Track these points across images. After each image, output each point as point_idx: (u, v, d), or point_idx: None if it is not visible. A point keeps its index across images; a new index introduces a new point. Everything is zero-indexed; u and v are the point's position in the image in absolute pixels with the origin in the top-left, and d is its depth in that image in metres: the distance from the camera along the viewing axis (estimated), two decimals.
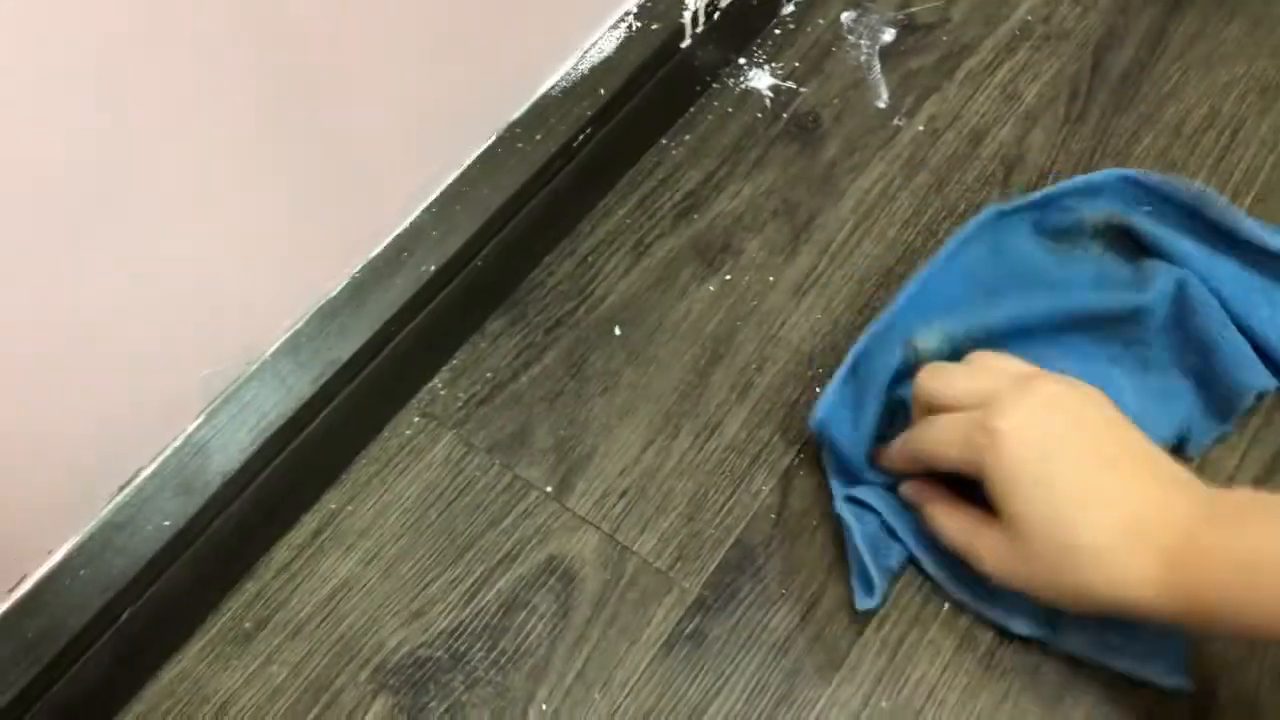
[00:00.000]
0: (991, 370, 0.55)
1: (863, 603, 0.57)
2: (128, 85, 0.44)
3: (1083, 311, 0.61)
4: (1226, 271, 0.62)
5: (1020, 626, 0.56)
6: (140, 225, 0.48)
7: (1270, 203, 0.69)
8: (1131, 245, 0.65)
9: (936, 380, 0.55)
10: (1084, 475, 0.49)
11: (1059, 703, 0.56)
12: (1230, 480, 0.59)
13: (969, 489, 0.54)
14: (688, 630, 0.59)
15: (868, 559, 0.57)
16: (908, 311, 0.62)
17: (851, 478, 0.60)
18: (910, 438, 0.56)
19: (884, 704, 0.57)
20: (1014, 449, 0.49)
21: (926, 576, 0.58)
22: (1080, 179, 0.66)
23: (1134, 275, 0.63)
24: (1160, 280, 0.61)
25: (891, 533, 0.58)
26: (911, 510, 0.58)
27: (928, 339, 0.60)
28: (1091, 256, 0.65)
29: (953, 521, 0.55)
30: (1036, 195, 0.66)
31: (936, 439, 0.54)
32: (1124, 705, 0.55)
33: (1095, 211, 0.65)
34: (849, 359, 0.60)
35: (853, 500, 0.59)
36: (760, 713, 0.57)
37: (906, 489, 0.58)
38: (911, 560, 0.59)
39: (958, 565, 0.56)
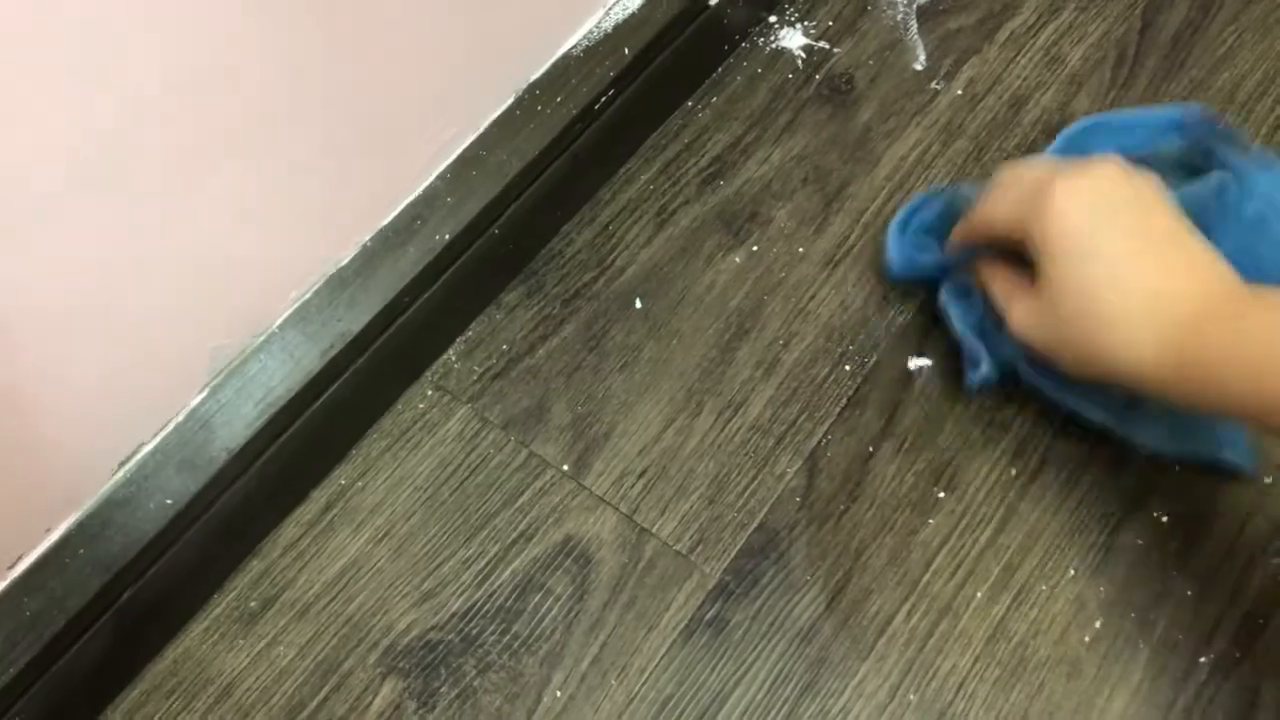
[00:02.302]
0: (1060, 161, 0.57)
1: (972, 376, 0.58)
2: (135, 48, 0.41)
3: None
4: None
5: (1095, 414, 0.57)
6: (143, 191, 0.46)
7: None
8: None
9: (1017, 164, 0.57)
10: (1122, 249, 0.50)
11: (1095, 697, 0.54)
12: None
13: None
14: (708, 616, 0.57)
15: (973, 344, 0.58)
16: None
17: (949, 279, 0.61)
18: (975, 208, 0.57)
19: (912, 697, 0.54)
20: (1062, 213, 0.51)
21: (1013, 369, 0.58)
22: (1161, 109, 0.64)
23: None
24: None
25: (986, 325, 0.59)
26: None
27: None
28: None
29: (999, 278, 0.56)
30: (1115, 116, 0.64)
31: (995, 200, 0.56)
32: (1160, 704, 0.53)
33: (1170, 147, 0.62)
34: (901, 212, 0.63)
35: (959, 291, 0.60)
36: (783, 703, 0.55)
37: (964, 267, 0.59)
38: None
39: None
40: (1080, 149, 0.63)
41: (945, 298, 0.60)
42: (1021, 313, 0.54)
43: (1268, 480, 0.57)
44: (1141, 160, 0.61)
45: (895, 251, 0.62)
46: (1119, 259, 0.50)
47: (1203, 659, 0.54)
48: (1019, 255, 0.55)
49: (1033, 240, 0.52)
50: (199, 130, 0.46)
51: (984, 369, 0.58)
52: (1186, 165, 0.61)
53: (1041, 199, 0.52)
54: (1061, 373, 0.55)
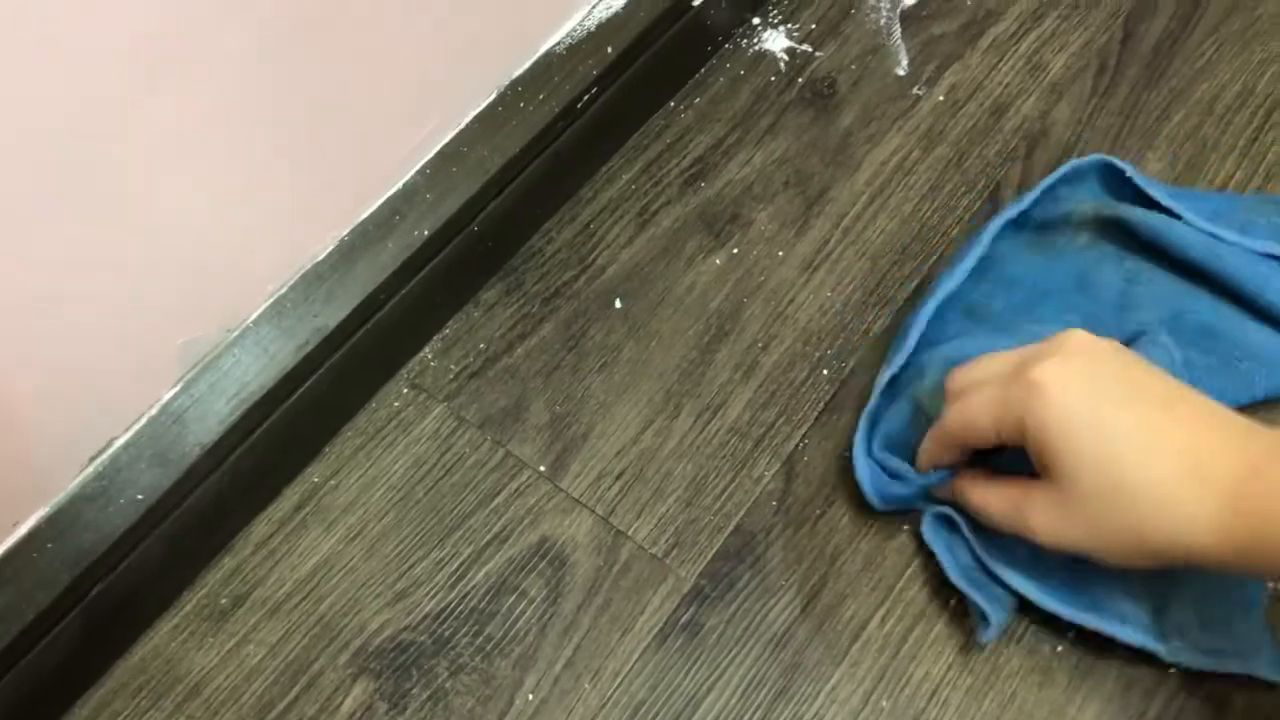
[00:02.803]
0: (1016, 350, 0.52)
1: (984, 634, 0.53)
2: (101, 36, 0.41)
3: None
4: (1227, 249, 0.59)
5: (1132, 636, 0.52)
6: (115, 180, 0.45)
7: (1274, 195, 0.65)
8: (1122, 234, 0.62)
9: (966, 367, 0.53)
10: (1137, 415, 0.46)
11: (1066, 706, 0.54)
12: None
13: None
14: (683, 620, 0.56)
15: (972, 592, 0.53)
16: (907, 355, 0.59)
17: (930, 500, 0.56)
18: (943, 420, 0.53)
19: (885, 703, 0.54)
20: (1058, 396, 0.46)
21: (1025, 601, 0.53)
22: (1065, 167, 0.63)
23: (1123, 284, 0.61)
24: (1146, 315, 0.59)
25: (982, 560, 0.54)
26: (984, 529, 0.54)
27: (928, 391, 0.57)
28: (1076, 249, 0.62)
29: (995, 495, 0.51)
30: (1033, 194, 0.63)
31: (968, 408, 0.50)
32: (1130, 713, 0.53)
33: (1081, 203, 0.62)
34: (863, 422, 0.57)
35: (944, 520, 0.55)
36: (756, 708, 0.55)
37: (941, 491, 0.55)
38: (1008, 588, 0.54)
39: (1051, 581, 0.53)
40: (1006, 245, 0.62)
41: (930, 538, 0.55)
42: (1045, 520, 0.48)
43: None
44: (1050, 222, 0.63)
45: (869, 487, 0.56)
46: (1136, 433, 0.45)
47: (1173, 669, 0.54)
48: (986, 457, 0.52)
49: (1031, 439, 0.47)
50: (170, 123, 0.45)
51: (994, 622, 0.52)
52: (1101, 220, 0.62)
53: (1029, 390, 0.47)
54: (1079, 595, 0.52)
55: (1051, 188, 0.63)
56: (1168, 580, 0.53)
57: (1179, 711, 0.53)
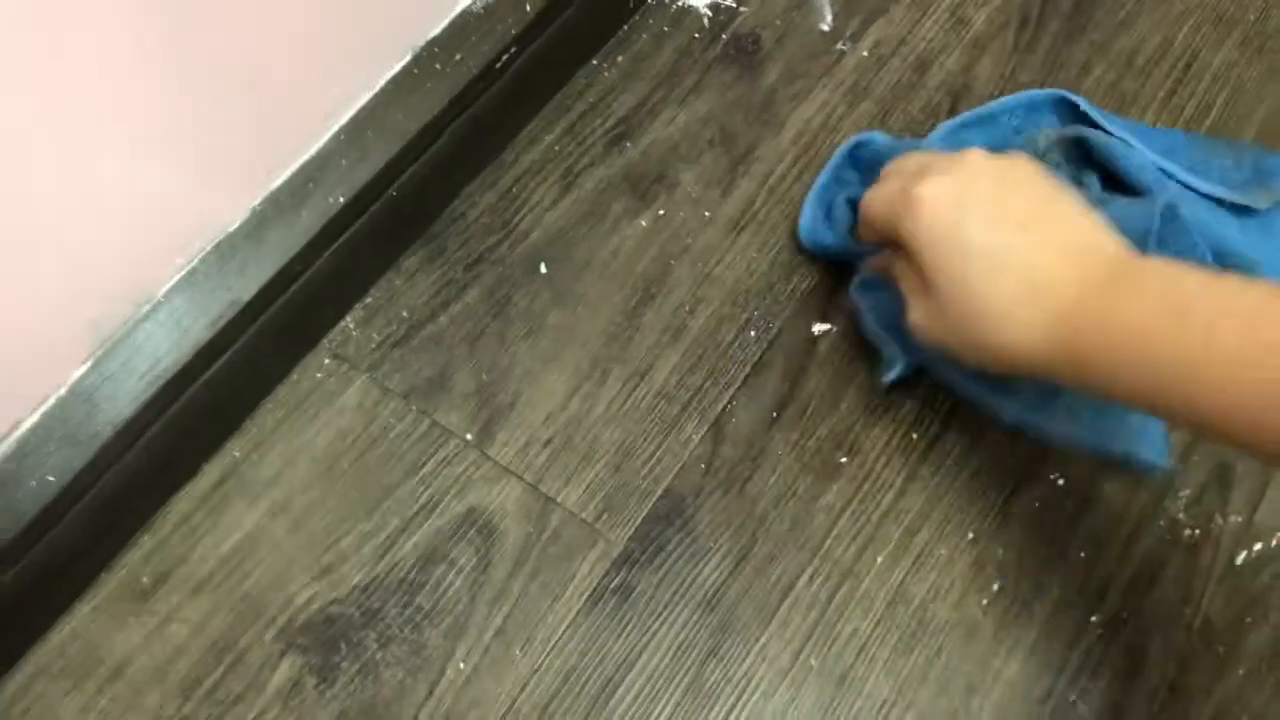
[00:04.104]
0: (930, 154, 0.56)
1: (886, 375, 0.58)
2: None
3: None
4: (1176, 186, 0.60)
5: (1008, 410, 0.56)
6: (10, 146, 0.43)
7: (1222, 139, 0.66)
8: (1081, 159, 0.62)
9: (901, 158, 0.57)
10: (992, 240, 0.49)
11: (991, 659, 0.55)
12: None
13: None
14: (613, 584, 0.56)
15: (884, 340, 0.58)
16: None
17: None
18: (863, 200, 0.57)
19: (814, 661, 0.55)
20: (930, 214, 0.50)
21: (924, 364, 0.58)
22: (1023, 94, 0.65)
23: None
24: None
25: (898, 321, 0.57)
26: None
27: None
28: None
29: (905, 275, 0.54)
30: (983, 109, 0.65)
31: (873, 199, 0.55)
32: (1053, 664, 0.55)
33: (1041, 129, 0.63)
34: (822, 175, 0.63)
35: (868, 284, 0.60)
36: (687, 669, 0.55)
37: (872, 261, 0.59)
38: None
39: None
40: (954, 146, 0.63)
41: (854, 290, 0.60)
42: (917, 314, 0.52)
43: None
44: (1021, 148, 0.63)
45: (805, 225, 0.62)
46: (991, 251, 0.49)
47: (1093, 619, 0.55)
48: None
49: (908, 243, 0.51)
50: (68, 89, 0.43)
51: (897, 367, 0.58)
52: (1065, 143, 0.62)
53: (907, 203, 0.51)
54: (984, 375, 0.54)
55: (1007, 114, 0.64)
56: None
57: (1099, 661, 0.55)
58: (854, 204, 0.60)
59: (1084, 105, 0.63)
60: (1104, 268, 0.47)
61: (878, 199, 0.55)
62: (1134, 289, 0.46)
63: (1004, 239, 0.49)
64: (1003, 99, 0.65)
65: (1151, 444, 0.56)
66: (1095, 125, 0.63)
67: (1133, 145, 0.61)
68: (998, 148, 0.62)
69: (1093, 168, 0.62)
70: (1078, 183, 0.62)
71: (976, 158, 0.52)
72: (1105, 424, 0.56)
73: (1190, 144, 0.64)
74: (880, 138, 0.63)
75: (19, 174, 0.44)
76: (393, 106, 0.59)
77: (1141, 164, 0.60)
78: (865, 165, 0.63)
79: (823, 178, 0.63)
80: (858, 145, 0.63)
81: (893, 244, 0.55)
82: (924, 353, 0.56)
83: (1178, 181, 0.61)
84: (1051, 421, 0.56)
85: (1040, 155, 0.62)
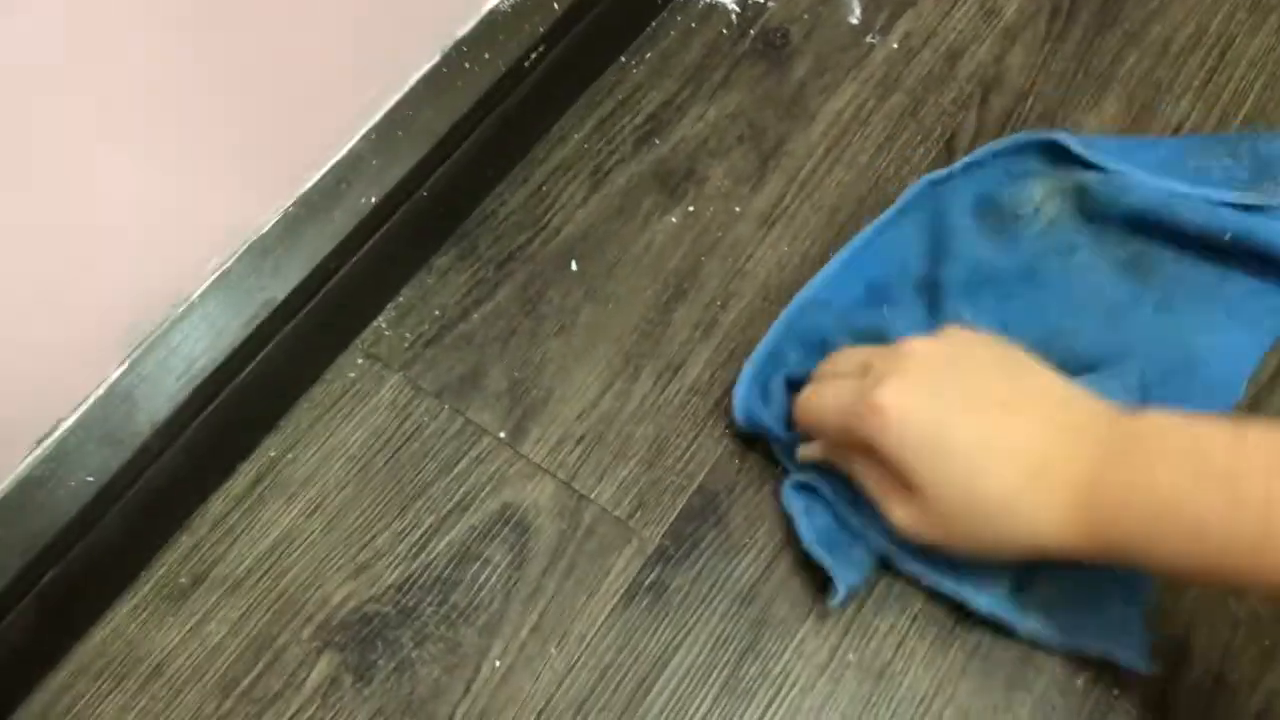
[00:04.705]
0: (868, 350, 0.53)
1: (833, 598, 0.53)
2: (32, 7, 0.39)
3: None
4: (1182, 201, 0.59)
5: (987, 606, 0.52)
6: (50, 155, 0.43)
7: (1258, 126, 0.65)
8: (1083, 208, 0.61)
9: (833, 356, 0.55)
10: (979, 427, 0.47)
11: (1031, 653, 0.54)
12: None
13: None
14: (648, 581, 0.56)
15: (824, 558, 0.53)
16: (828, 288, 0.59)
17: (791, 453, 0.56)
18: (799, 403, 0.54)
19: (851, 656, 0.55)
20: (902, 420, 0.47)
21: (887, 562, 0.54)
22: (1005, 141, 0.63)
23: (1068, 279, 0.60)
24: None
25: (844, 521, 0.54)
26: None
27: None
28: (1034, 234, 0.61)
29: (869, 474, 0.51)
30: (967, 159, 0.63)
31: (816, 409, 0.52)
32: (1094, 659, 0.54)
33: (1037, 178, 0.62)
34: (762, 348, 0.58)
35: (803, 487, 0.55)
36: (723, 665, 0.55)
37: (806, 449, 0.55)
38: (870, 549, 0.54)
39: (912, 547, 0.52)
40: (936, 202, 0.62)
41: (787, 498, 0.56)
42: (904, 516, 0.49)
43: None
44: (1006, 202, 0.62)
45: (739, 401, 0.57)
46: (976, 444, 0.46)
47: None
48: None
49: (880, 453, 0.48)
50: (103, 93, 0.44)
51: (843, 588, 0.52)
52: (1065, 192, 0.61)
53: (871, 414, 0.47)
54: (939, 561, 0.52)
55: (996, 157, 0.63)
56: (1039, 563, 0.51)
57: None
58: (792, 384, 0.56)
59: (1074, 145, 0.61)
60: (1107, 435, 0.45)
61: (825, 407, 0.51)
62: (1153, 455, 0.44)
63: (988, 427, 0.46)
64: (988, 145, 0.63)
65: (1131, 645, 0.52)
66: (1086, 161, 0.61)
67: (1131, 179, 0.60)
68: (989, 195, 0.62)
69: (1096, 219, 0.61)
70: (1072, 251, 0.60)
71: (922, 347, 0.49)
72: (1083, 621, 0.52)
73: (1187, 150, 0.62)
74: (824, 293, 0.59)
75: (55, 179, 0.44)
76: (423, 106, 0.59)
77: (1144, 196, 0.59)
78: (803, 338, 0.58)
79: (760, 351, 0.58)
80: (806, 307, 0.59)
81: (845, 445, 0.51)
82: (885, 549, 0.53)
83: (1182, 195, 0.59)
84: (1025, 619, 0.53)
85: (1036, 207, 0.61)
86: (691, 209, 0.65)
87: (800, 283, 0.62)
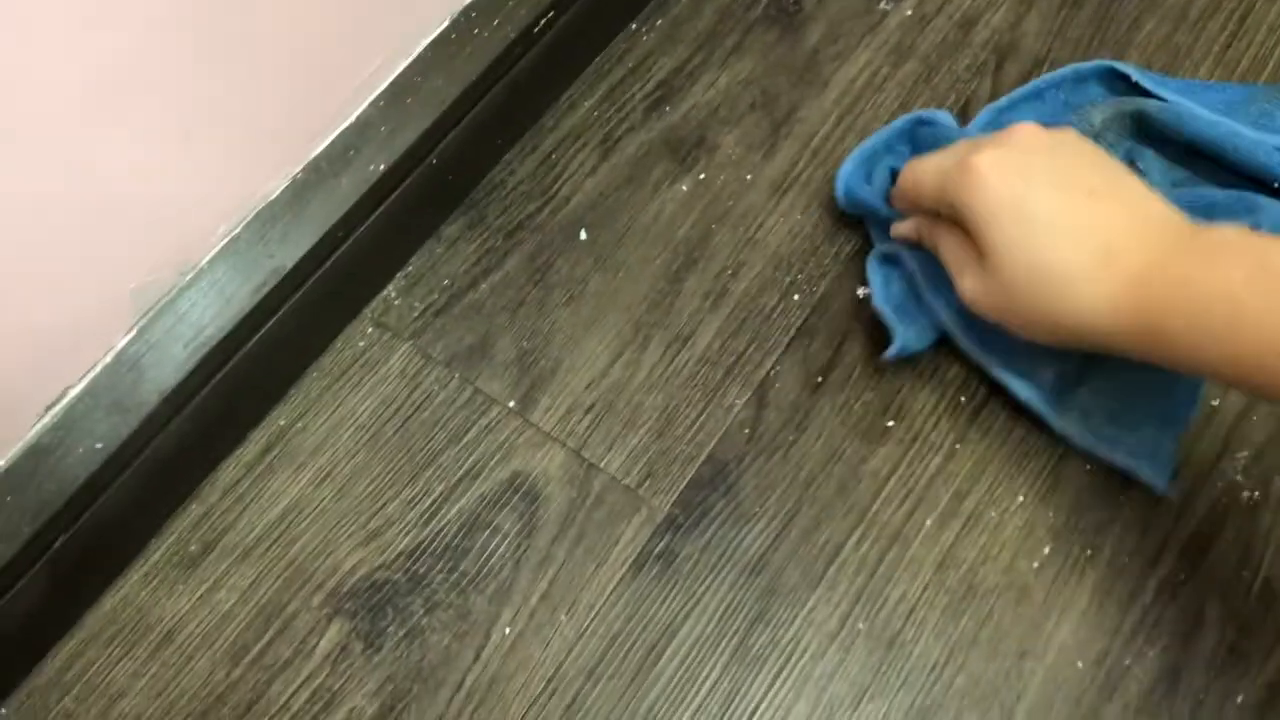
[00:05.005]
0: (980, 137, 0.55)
1: (889, 351, 0.56)
2: None
3: None
4: (1254, 144, 0.58)
5: (1029, 395, 0.55)
6: (56, 121, 0.43)
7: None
8: (1137, 134, 0.61)
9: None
10: (1060, 204, 0.48)
11: (1043, 622, 0.54)
12: None
13: None
14: (657, 550, 0.56)
15: (890, 317, 0.57)
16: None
17: (884, 229, 0.59)
18: (903, 171, 0.56)
19: (861, 625, 0.54)
20: (992, 183, 0.49)
21: (948, 335, 0.57)
22: (1066, 69, 0.63)
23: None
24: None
25: (917, 294, 0.57)
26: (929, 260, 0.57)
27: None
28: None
29: (948, 246, 0.53)
30: (1026, 88, 0.63)
31: (920, 169, 0.54)
32: (1107, 627, 0.53)
33: (1099, 104, 0.61)
34: (873, 138, 0.62)
35: (887, 259, 0.59)
36: (733, 634, 0.55)
37: (900, 226, 0.58)
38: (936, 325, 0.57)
39: (975, 325, 0.55)
40: (1002, 127, 0.62)
41: (870, 265, 0.59)
42: (971, 285, 0.51)
43: (1214, 402, 0.57)
44: (1073, 125, 0.61)
45: (842, 181, 0.60)
46: (1055, 218, 0.48)
47: (1149, 582, 0.54)
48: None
49: (964, 214, 0.50)
50: (107, 59, 0.44)
51: (898, 344, 0.56)
52: (1123, 123, 0.61)
53: (964, 173, 0.50)
54: (996, 343, 0.54)
55: (1053, 89, 0.63)
56: (1095, 367, 0.55)
57: (1154, 624, 0.53)
58: (895, 174, 0.59)
59: (1135, 74, 0.61)
60: (1176, 236, 0.46)
61: (927, 167, 0.54)
62: (1216, 258, 0.44)
63: (1072, 205, 0.48)
64: (1047, 74, 0.63)
65: (1158, 464, 0.54)
66: (1147, 93, 0.61)
67: (1192, 109, 0.59)
68: (1049, 124, 0.61)
69: (1151, 143, 0.60)
70: (1130, 162, 0.60)
71: (1029, 129, 0.51)
72: (1117, 435, 0.54)
73: (1250, 96, 0.62)
74: (945, 118, 0.62)
75: (62, 145, 0.44)
76: (431, 73, 0.59)
77: (1205, 126, 0.58)
78: (920, 145, 0.61)
79: (873, 140, 0.62)
80: (920, 122, 0.62)
81: (932, 215, 0.54)
82: (947, 323, 0.56)
83: (1244, 136, 0.59)
84: (1063, 417, 0.55)
85: (1095, 133, 0.61)
86: (702, 177, 0.64)
87: (813, 251, 0.62)
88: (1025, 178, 0.49)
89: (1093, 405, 0.55)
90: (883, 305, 0.57)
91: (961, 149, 0.52)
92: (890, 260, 0.59)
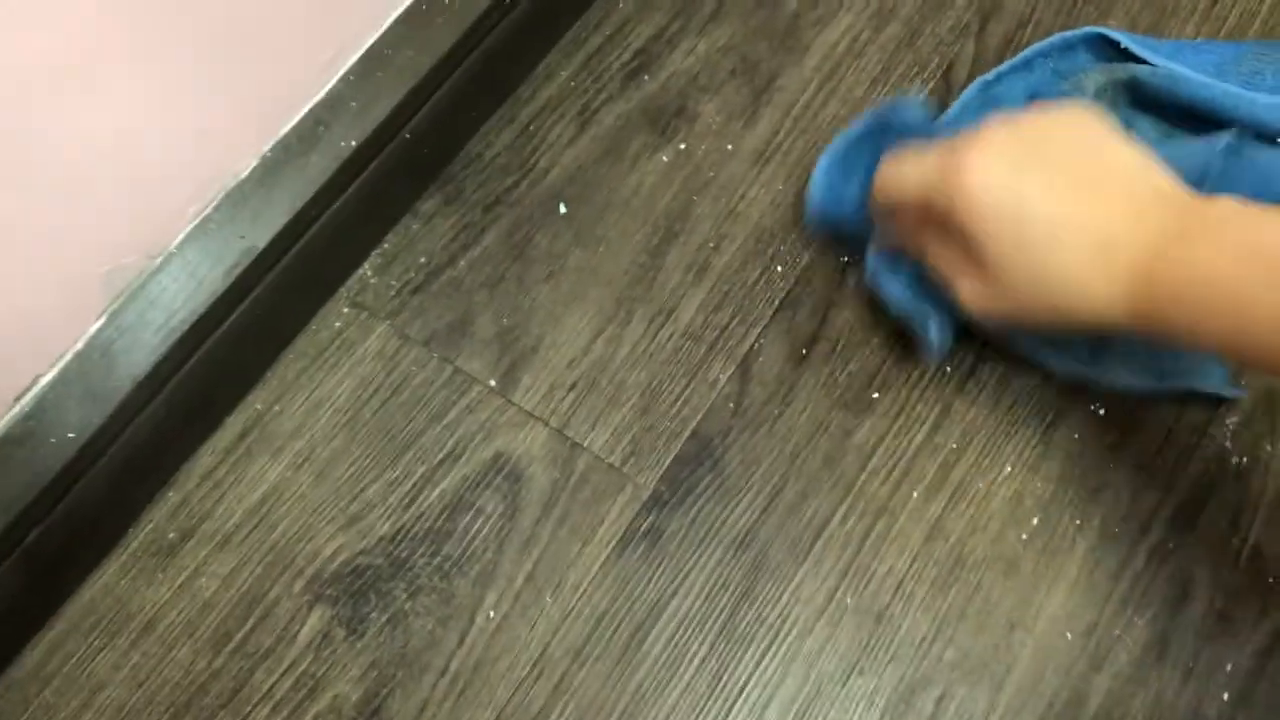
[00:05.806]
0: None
1: (929, 352, 0.55)
2: None
3: None
4: (1249, 102, 0.57)
5: (1064, 364, 0.55)
6: (17, 101, 0.42)
7: (1272, 40, 0.63)
8: (1132, 99, 0.60)
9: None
10: (1054, 205, 0.47)
11: (1033, 594, 0.54)
12: None
13: None
14: (643, 528, 0.55)
15: (918, 322, 0.55)
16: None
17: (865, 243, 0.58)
18: (880, 174, 0.54)
19: (849, 599, 0.54)
20: (982, 186, 0.47)
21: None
22: (1053, 39, 0.61)
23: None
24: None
25: (928, 290, 0.55)
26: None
27: None
28: None
29: (938, 255, 0.51)
30: (1014, 60, 0.61)
31: (898, 173, 0.52)
32: (1097, 597, 0.53)
33: (1084, 73, 0.60)
34: (837, 144, 0.58)
35: (885, 265, 0.56)
36: (720, 611, 0.54)
37: (879, 241, 0.56)
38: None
39: None
40: (990, 103, 0.60)
41: (874, 270, 0.56)
42: (970, 291, 0.50)
43: None
44: (1067, 94, 0.60)
45: (816, 195, 0.58)
46: (1052, 213, 0.46)
47: (1138, 550, 0.54)
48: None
49: (954, 216, 0.48)
50: (71, 38, 0.42)
51: (936, 341, 0.54)
52: (1116, 89, 0.60)
53: (953, 173, 0.48)
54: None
55: (1041, 58, 0.61)
56: None
57: (1143, 593, 0.53)
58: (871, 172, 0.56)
59: (1124, 39, 0.60)
60: (1175, 218, 0.45)
61: (907, 173, 0.51)
62: (1210, 238, 0.44)
63: (1066, 204, 0.46)
64: (1035, 44, 0.62)
65: (1211, 375, 0.55)
66: (1136, 58, 0.60)
67: (1185, 72, 0.58)
68: (1040, 95, 0.60)
69: (1146, 108, 0.59)
70: (1129, 126, 0.59)
71: (1009, 128, 0.49)
72: (1162, 365, 0.55)
73: (1240, 55, 0.61)
74: (914, 111, 0.57)
75: (23, 127, 0.43)
76: (402, 44, 0.57)
77: (1199, 89, 0.57)
78: (889, 143, 0.57)
79: (839, 144, 0.58)
80: (886, 126, 0.57)
81: (914, 220, 0.52)
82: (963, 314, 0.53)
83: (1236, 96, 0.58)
84: (1108, 371, 0.55)
85: (1091, 100, 0.60)
86: (682, 147, 0.63)
87: (797, 222, 0.61)
88: (1015, 175, 0.47)
89: (1129, 350, 0.55)
90: (909, 304, 0.55)
91: (942, 152, 0.50)
92: (889, 265, 0.56)
